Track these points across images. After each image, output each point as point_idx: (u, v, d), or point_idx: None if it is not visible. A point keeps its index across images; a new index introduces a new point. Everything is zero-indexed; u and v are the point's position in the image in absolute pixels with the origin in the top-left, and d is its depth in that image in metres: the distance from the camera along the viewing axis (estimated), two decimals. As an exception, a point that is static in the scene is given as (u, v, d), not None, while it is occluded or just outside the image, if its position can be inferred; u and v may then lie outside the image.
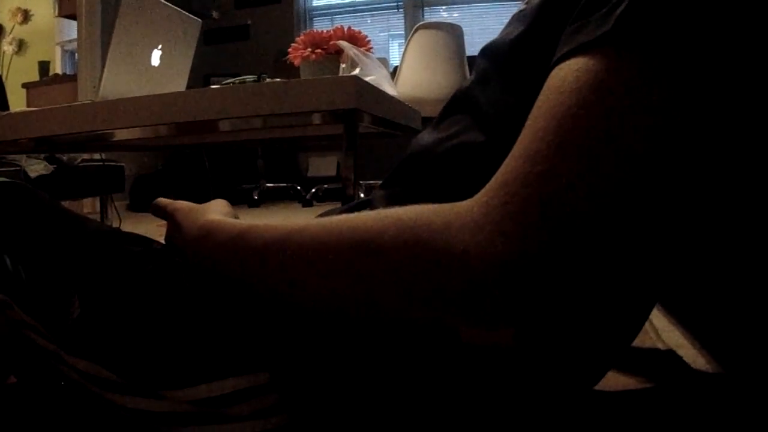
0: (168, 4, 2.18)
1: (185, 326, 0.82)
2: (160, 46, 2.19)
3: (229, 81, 1.97)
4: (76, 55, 7.42)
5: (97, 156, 4.26)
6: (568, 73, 0.61)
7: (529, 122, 0.63)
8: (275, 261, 0.73)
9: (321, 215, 0.86)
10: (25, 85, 7.54)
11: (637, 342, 0.93)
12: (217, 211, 0.93)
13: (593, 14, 0.61)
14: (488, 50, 0.90)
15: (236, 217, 0.91)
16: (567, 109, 0.59)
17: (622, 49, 0.58)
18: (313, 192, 7.33)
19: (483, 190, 0.63)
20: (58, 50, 8.44)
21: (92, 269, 0.88)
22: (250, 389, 0.79)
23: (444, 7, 8.27)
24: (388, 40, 8.52)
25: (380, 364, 0.78)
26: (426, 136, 0.92)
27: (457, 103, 0.91)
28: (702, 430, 0.78)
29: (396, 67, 5.75)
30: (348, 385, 0.78)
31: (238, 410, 0.79)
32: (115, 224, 4.37)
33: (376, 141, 3.14)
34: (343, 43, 2.13)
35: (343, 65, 2.12)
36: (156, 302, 0.84)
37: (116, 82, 2.02)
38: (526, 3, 0.89)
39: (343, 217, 0.71)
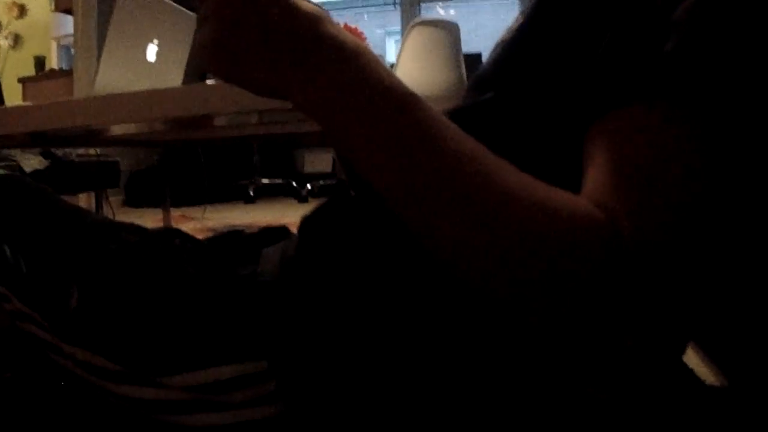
0: (164, -1, 2.17)
1: (182, 313, 0.82)
2: (156, 41, 2.18)
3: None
4: (72, 49, 7.41)
5: (92, 151, 4.25)
6: (629, 120, 0.65)
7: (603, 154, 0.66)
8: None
9: None
10: (21, 80, 7.53)
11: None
12: None
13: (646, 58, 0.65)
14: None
15: None
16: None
17: (679, 106, 0.63)
18: (309, 188, 7.34)
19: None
20: (54, 45, 8.43)
21: (90, 259, 0.89)
22: (247, 376, 0.79)
23: (440, 4, 8.29)
24: (385, 37, 8.53)
25: (381, 355, 0.78)
26: None
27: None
28: None
29: (392, 65, 5.75)
30: (347, 375, 0.78)
31: (235, 397, 0.80)
32: (111, 219, 4.36)
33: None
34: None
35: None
36: (153, 290, 0.85)
37: (112, 77, 2.02)
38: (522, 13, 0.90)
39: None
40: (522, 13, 0.89)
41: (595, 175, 0.65)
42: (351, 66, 0.65)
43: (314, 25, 0.66)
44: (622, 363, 0.62)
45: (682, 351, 0.73)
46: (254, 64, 0.66)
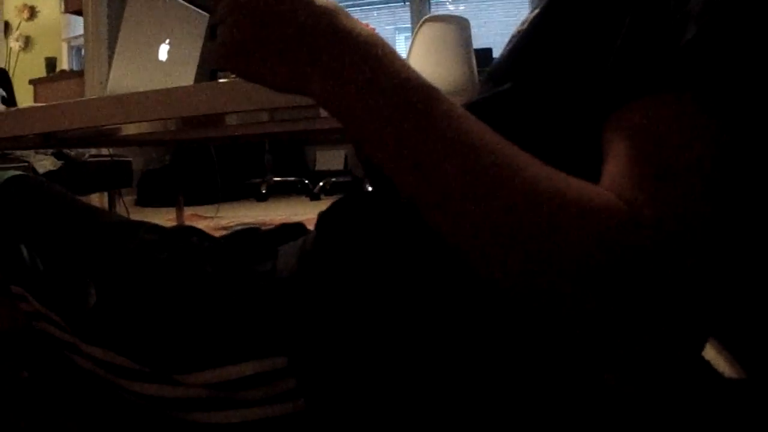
0: (175, -2, 2.18)
1: (201, 311, 0.82)
2: (167, 41, 2.19)
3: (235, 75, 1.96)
4: (83, 50, 7.42)
5: (104, 151, 4.26)
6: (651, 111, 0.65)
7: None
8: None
9: None
10: (32, 82, 7.55)
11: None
12: None
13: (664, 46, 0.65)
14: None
15: None
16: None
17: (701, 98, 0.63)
18: (321, 185, 7.34)
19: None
20: (64, 46, 8.45)
21: (108, 258, 0.89)
22: (266, 373, 0.79)
23: (450, 0, 8.26)
24: (395, 33, 8.51)
25: (401, 350, 0.78)
26: None
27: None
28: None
29: (403, 61, 5.71)
30: (367, 370, 0.78)
31: (254, 394, 0.80)
32: (124, 219, 4.37)
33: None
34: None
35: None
36: (172, 288, 0.85)
37: (124, 77, 2.02)
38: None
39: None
40: (537, 4, 0.89)
41: (615, 166, 0.65)
42: (369, 58, 0.65)
43: (331, 19, 0.66)
44: (645, 353, 0.62)
45: (703, 345, 0.73)
46: (274, 60, 0.67)
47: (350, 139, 0.71)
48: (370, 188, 0.92)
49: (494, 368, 0.77)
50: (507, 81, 0.84)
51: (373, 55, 0.66)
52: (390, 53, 0.67)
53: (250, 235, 1.05)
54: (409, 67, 0.67)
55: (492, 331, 0.76)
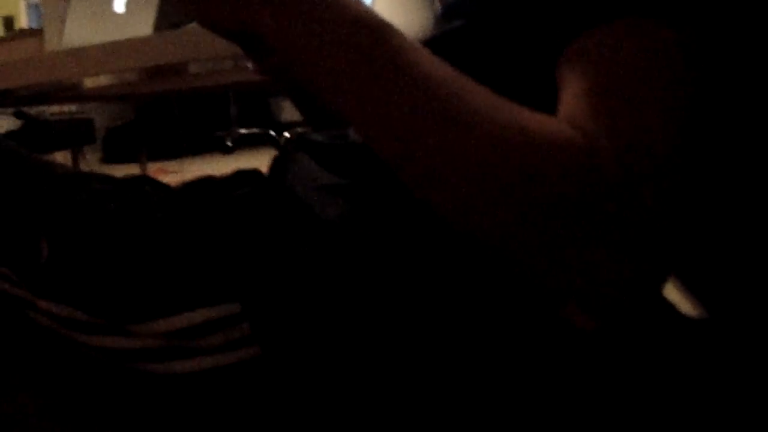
0: (131, -53, 2.14)
1: (153, 259, 0.82)
2: (123, -8, 2.15)
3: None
4: (41, 8, 7.33)
5: (66, 109, 4.23)
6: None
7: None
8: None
9: None
10: (-12, 41, 7.46)
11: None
12: None
13: None
14: None
15: None
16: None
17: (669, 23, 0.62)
18: (287, 137, 7.32)
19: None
20: (22, 4, 8.34)
21: (58, 210, 0.88)
22: (220, 320, 0.78)
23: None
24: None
25: (356, 293, 0.77)
26: None
27: None
28: (686, 376, 0.79)
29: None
30: (322, 314, 0.78)
31: (209, 342, 0.79)
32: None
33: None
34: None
35: None
36: (122, 237, 0.84)
37: (80, 31, 1.99)
38: None
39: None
40: None
41: (571, 98, 0.64)
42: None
43: None
44: (612, 286, 0.61)
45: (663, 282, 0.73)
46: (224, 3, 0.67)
47: (302, 82, 0.69)
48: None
49: (449, 324, 0.76)
50: (460, 17, 0.84)
51: None
52: None
53: (204, 183, 1.04)
54: (360, 3, 0.66)
55: (446, 279, 0.76)
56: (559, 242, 0.59)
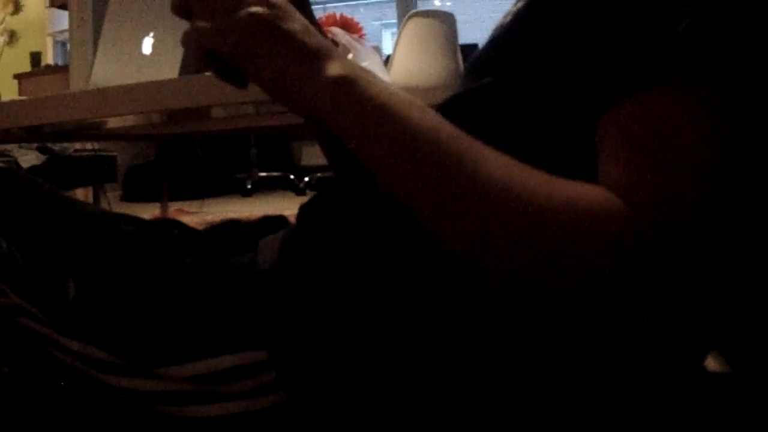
0: (159, -9, 2.16)
1: (179, 303, 0.82)
2: (151, 34, 2.17)
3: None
4: (68, 45, 7.39)
5: (89, 146, 4.24)
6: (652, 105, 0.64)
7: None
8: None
9: None
10: (16, 76, 7.51)
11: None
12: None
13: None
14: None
15: None
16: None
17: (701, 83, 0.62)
18: (307, 181, 7.32)
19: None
20: (49, 41, 8.43)
21: (87, 251, 0.88)
22: (246, 366, 0.79)
23: (437, -4, 8.26)
24: (381, 30, 8.51)
25: (381, 343, 0.77)
26: None
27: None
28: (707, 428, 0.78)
29: (389, 56, 5.71)
30: (347, 363, 0.78)
31: (234, 388, 0.79)
32: (108, 214, 4.36)
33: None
34: (336, 30, 2.12)
35: (335, 52, 2.10)
36: (150, 280, 0.84)
37: (107, 71, 2.01)
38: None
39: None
40: None
41: (612, 163, 0.65)
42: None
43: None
44: (652, 346, 0.62)
45: (708, 347, 0.74)
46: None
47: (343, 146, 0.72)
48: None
49: (480, 363, 0.76)
50: (489, 74, 0.83)
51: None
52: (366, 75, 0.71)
53: (230, 227, 1.04)
54: (393, 94, 0.70)
55: (477, 326, 0.76)
56: (609, 305, 0.60)
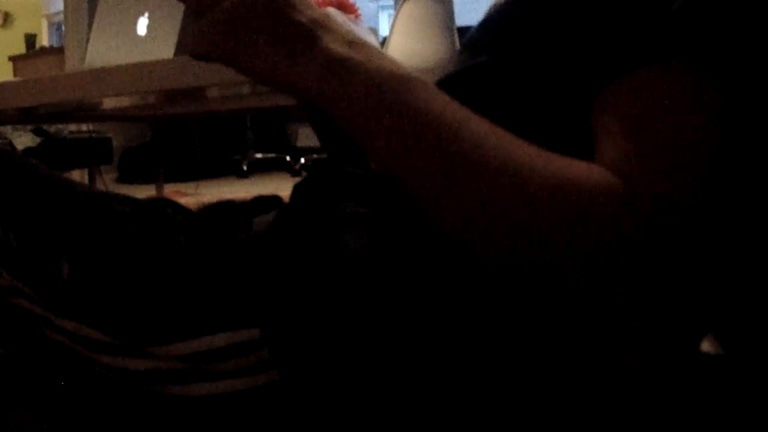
0: (153, -29, 2.15)
1: (173, 282, 0.82)
2: (146, 15, 2.16)
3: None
4: (63, 26, 7.37)
5: (84, 128, 4.24)
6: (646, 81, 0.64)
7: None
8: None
9: None
10: (11, 59, 7.50)
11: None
12: None
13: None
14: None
15: None
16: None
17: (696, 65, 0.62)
18: (303, 162, 7.32)
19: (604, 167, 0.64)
20: (44, 22, 8.40)
21: (80, 230, 0.89)
22: (240, 345, 0.79)
23: (433, -23, 8.23)
24: (378, 11, 8.48)
25: (376, 321, 0.77)
26: None
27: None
28: (702, 412, 0.79)
29: (385, 38, 5.69)
30: (340, 341, 0.78)
31: (228, 366, 0.79)
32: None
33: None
34: (331, 10, 2.11)
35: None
36: (144, 259, 0.85)
37: (102, 52, 2.00)
38: None
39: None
40: None
41: (609, 142, 0.65)
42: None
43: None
44: (652, 330, 0.62)
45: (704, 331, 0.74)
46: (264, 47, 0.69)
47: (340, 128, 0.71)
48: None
49: (471, 335, 0.76)
50: (484, 52, 0.83)
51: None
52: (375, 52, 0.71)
53: (224, 207, 1.04)
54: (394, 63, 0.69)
55: (473, 309, 0.76)
56: (604, 286, 0.60)
